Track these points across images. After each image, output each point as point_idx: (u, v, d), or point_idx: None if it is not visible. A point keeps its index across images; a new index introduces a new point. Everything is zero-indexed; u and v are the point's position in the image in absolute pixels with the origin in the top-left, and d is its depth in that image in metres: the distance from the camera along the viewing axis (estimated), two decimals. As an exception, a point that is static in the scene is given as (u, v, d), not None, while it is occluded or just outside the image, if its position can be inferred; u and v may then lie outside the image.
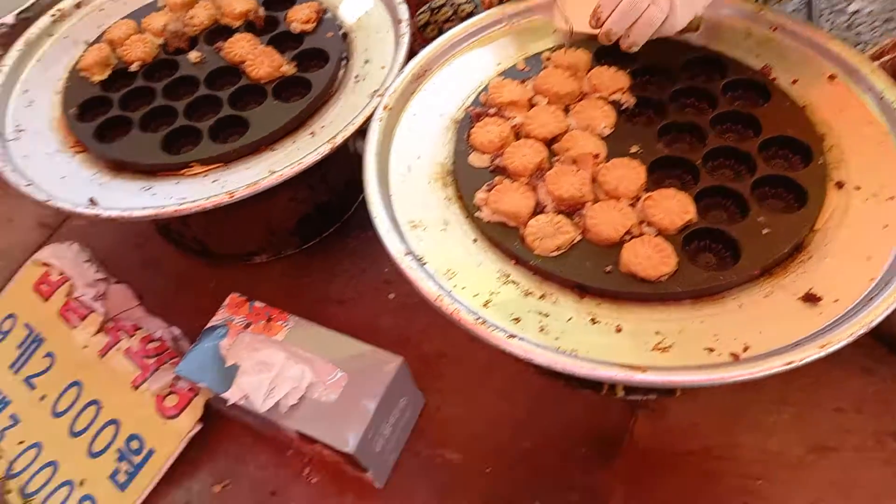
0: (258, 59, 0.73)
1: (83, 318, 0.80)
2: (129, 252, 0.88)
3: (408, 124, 0.69)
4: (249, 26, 0.79)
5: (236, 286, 0.84)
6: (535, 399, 0.72)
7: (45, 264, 0.84)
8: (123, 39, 0.77)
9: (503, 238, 0.59)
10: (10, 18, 0.90)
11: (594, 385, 0.70)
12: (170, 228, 0.84)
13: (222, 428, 0.73)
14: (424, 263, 0.59)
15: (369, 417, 0.62)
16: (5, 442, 0.75)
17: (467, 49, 0.74)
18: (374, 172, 0.63)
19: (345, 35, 0.78)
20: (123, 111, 0.73)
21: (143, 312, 0.81)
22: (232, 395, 0.64)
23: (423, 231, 0.61)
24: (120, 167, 0.69)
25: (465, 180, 0.63)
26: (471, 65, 0.73)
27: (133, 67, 0.76)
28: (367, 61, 0.75)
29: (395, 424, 0.67)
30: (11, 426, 0.76)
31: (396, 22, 0.76)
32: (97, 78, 0.75)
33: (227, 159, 0.69)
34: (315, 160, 0.65)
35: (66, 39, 0.82)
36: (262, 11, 0.79)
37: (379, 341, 0.67)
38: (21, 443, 0.74)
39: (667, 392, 0.69)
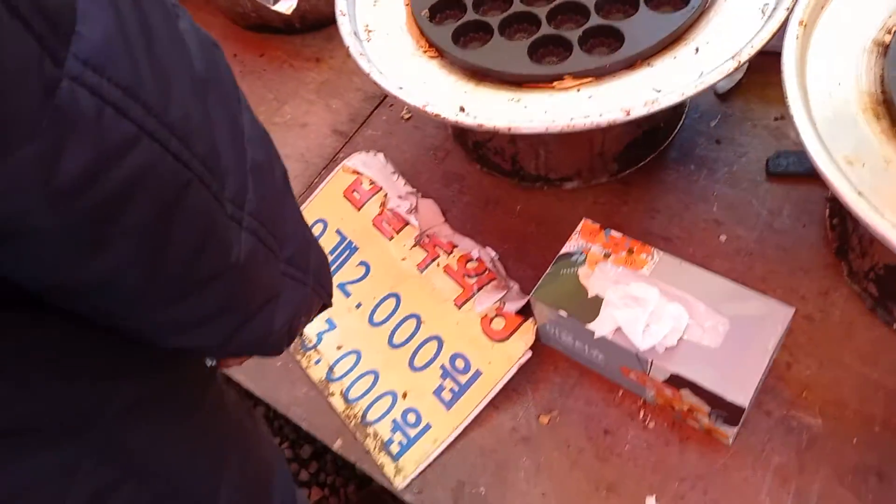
0: (630, -38, 0.65)
1: (398, 230, 0.78)
2: (430, 166, 0.85)
3: (820, 44, 0.59)
4: (602, -75, 0.71)
5: (545, 211, 0.80)
6: (909, 368, 0.64)
7: (355, 172, 0.83)
8: (471, -65, 0.71)
9: (976, 184, 0.50)
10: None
11: None
12: (482, 144, 0.80)
13: (548, 358, 0.70)
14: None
15: (762, 370, 0.56)
16: (323, 345, 0.76)
17: (884, -42, 0.62)
18: (798, 99, 0.55)
19: (714, -62, 0.69)
20: (479, 16, 0.68)
21: (451, 230, 0.79)
22: (600, 328, 0.60)
23: (861, 168, 0.53)
24: (482, 75, 0.65)
25: (909, 113, 0.54)
26: (889, -23, 0.62)
27: (484, -33, 0.70)
28: (747, -31, 0.66)
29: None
30: (328, 330, 0.76)
31: (787, -77, 0.65)
32: (446, -23, 0.70)
33: (601, 73, 0.62)
34: (717, 79, 0.58)
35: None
36: None
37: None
38: (339, 348, 0.75)
39: None
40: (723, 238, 0.74)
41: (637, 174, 0.80)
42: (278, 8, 0.89)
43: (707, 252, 0.73)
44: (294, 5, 0.89)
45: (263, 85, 0.99)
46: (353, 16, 0.70)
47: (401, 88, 0.62)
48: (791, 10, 0.60)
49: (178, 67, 0.25)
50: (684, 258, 0.72)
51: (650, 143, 0.78)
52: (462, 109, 0.62)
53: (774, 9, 0.61)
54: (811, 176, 0.73)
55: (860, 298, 0.68)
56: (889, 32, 0.59)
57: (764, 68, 0.68)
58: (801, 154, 0.55)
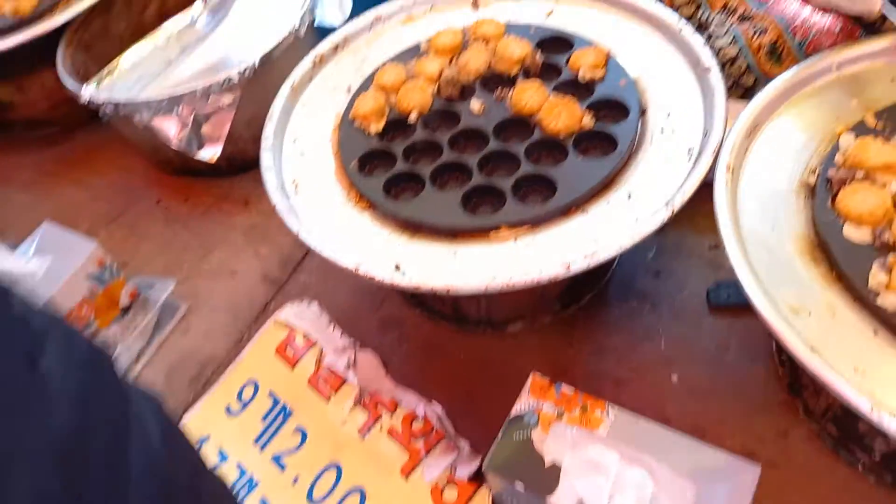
0: (555, 111, 0.65)
1: (336, 388, 0.72)
2: (367, 313, 0.81)
3: (749, 188, 0.60)
4: (524, 73, 0.72)
5: (491, 356, 0.76)
6: (875, 513, 0.61)
7: (288, 325, 0.77)
8: (397, 86, 0.70)
9: (924, 333, 0.49)
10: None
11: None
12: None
13: (505, 527, 0.64)
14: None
15: (736, 540, 0.52)
16: (257, 529, 0.67)
17: (796, 101, 0.65)
18: (736, 246, 0.54)
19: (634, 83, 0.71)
20: (410, 166, 0.66)
21: (393, 384, 0.74)
22: (561, 501, 0.55)
23: (808, 318, 0.52)
24: (415, 228, 0.62)
25: (845, 258, 0.53)
26: (804, 119, 0.64)
27: (411, 118, 0.69)
28: (669, 114, 0.67)
29: (735, 542, 0.57)
30: (262, 511, 0.68)
31: (701, 70, 0.67)
32: (374, 129, 0.68)
33: (536, 222, 0.61)
34: (653, 229, 0.57)
35: (326, 84, 0.76)
36: (539, 57, 0.72)
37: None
38: (275, 531, 0.67)
39: None
40: (675, 378, 0.71)
41: (581, 312, 0.77)
42: (202, 157, 0.87)
43: (660, 393, 0.70)
44: (218, 153, 0.87)
45: (189, 232, 0.94)
46: (279, 170, 0.68)
47: (332, 249, 0.59)
48: (717, 154, 0.60)
49: (27, 441, 0.20)
50: (638, 401, 0.69)
51: (590, 280, 0.77)
52: (397, 268, 0.58)
53: (700, 153, 0.62)
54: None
55: (820, 438, 0.65)
56: (813, 173, 0.60)
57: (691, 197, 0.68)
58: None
